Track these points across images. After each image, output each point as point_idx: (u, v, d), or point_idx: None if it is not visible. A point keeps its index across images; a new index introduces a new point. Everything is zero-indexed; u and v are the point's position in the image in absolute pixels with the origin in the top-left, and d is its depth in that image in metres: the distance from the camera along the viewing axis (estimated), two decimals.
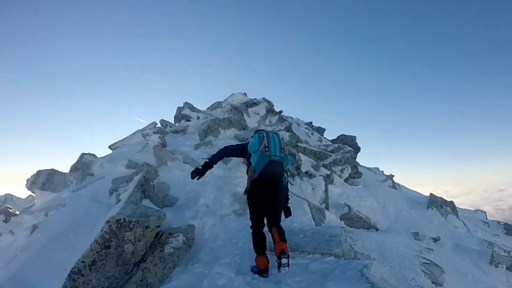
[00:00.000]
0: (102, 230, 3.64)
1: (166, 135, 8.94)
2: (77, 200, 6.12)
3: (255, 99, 12.55)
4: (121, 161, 7.15)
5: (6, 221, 6.21)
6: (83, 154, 7.94)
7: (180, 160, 7.04)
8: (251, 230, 3.82)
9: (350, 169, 9.53)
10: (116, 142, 9.96)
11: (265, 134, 3.78)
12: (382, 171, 12.84)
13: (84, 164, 7.75)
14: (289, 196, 4.06)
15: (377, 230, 6.94)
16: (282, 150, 3.72)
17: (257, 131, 4.07)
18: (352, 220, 6.78)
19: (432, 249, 6.35)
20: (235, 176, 6.65)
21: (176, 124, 10.73)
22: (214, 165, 4.02)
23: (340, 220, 6.68)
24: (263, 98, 12.56)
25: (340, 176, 9.16)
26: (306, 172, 7.86)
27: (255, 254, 3.74)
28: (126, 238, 3.72)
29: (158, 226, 4.04)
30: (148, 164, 6.17)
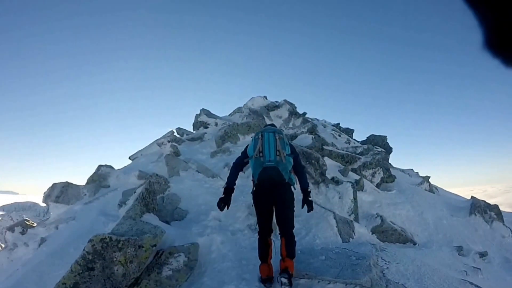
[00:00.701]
0: (84, 250, 3.24)
1: (183, 143, 8.62)
2: (87, 213, 5.90)
3: (276, 101, 11.97)
4: (134, 172, 6.90)
5: (23, 233, 6.17)
6: (100, 166, 7.83)
7: (193, 170, 6.63)
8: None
9: (382, 173, 8.60)
10: (135, 153, 9.86)
11: (260, 136, 3.42)
12: (417, 173, 11.67)
13: (101, 176, 7.61)
14: (309, 190, 3.65)
15: (414, 244, 6.03)
16: (278, 153, 3.33)
17: (266, 125, 3.91)
18: (386, 233, 5.92)
19: (480, 268, 5.41)
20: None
21: (194, 131, 10.42)
22: (234, 186, 3.73)
23: (372, 233, 5.84)
24: (285, 100, 11.94)
25: (371, 181, 8.29)
26: (332, 179, 7.09)
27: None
28: (115, 259, 3.27)
29: (155, 245, 3.57)
30: (157, 175, 5.81)
